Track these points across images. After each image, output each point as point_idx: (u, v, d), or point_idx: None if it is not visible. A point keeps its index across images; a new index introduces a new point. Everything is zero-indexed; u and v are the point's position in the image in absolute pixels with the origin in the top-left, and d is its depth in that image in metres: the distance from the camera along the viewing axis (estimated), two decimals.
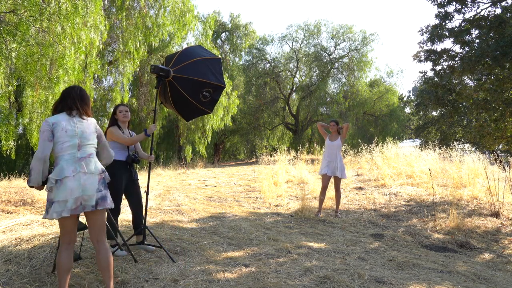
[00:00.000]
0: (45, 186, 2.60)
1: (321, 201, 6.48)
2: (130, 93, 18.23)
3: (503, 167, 8.75)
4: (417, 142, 24.82)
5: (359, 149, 13.05)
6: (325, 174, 6.33)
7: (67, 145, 2.58)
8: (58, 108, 2.69)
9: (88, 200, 2.53)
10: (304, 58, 25.58)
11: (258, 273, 3.44)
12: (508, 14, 8.41)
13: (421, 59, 10.25)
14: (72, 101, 2.70)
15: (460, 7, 9.56)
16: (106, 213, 2.66)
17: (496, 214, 6.13)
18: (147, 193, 4.04)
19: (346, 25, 24.57)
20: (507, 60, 7.91)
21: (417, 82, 13.21)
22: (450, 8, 10.05)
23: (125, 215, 5.18)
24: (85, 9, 8.05)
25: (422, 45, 10.15)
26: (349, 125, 6.29)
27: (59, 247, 2.64)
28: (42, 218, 2.71)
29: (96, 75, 12.36)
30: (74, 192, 2.51)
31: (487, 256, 4.59)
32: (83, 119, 2.70)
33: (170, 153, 23.23)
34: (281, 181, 9.40)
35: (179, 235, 4.69)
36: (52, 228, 4.70)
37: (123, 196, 3.99)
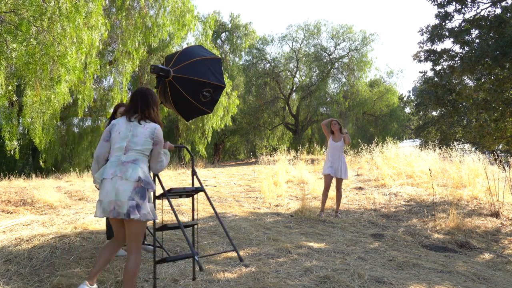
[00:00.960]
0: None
1: (324, 201, 6.49)
2: (130, 93, 18.24)
3: (503, 167, 8.75)
4: (417, 142, 24.83)
5: (359, 149, 13.05)
6: (328, 174, 6.34)
7: (116, 146, 2.59)
8: (125, 112, 2.71)
9: (121, 207, 2.47)
10: (304, 58, 25.58)
11: (258, 273, 3.44)
12: (508, 14, 8.42)
13: (421, 59, 10.26)
14: (133, 105, 2.68)
15: (460, 7, 9.57)
16: (144, 224, 2.58)
17: (496, 214, 6.13)
18: None
19: (346, 25, 24.59)
20: (507, 60, 7.92)
21: (417, 82, 13.22)
22: (450, 8, 10.05)
23: None
24: (86, 9, 8.05)
25: (422, 45, 10.16)
26: (348, 137, 6.36)
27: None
28: (94, 216, 2.75)
29: (95, 75, 12.36)
30: (109, 196, 2.49)
31: (487, 256, 4.59)
32: (141, 123, 2.65)
33: (170, 153, 23.23)
34: (281, 181, 9.40)
35: (179, 235, 4.69)
36: (52, 228, 4.70)
37: None
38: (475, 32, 9.43)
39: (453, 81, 10.58)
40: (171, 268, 3.53)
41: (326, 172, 6.33)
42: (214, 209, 3.22)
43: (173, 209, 2.84)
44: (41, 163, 11.83)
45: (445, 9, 9.72)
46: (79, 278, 3.15)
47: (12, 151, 8.69)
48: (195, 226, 3.28)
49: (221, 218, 3.56)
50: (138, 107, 2.66)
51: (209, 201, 3.27)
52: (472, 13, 9.81)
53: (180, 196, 3.35)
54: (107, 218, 3.85)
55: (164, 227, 2.87)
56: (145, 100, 2.69)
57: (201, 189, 3.22)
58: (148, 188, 2.58)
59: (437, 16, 9.74)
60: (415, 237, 5.25)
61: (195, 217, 5.94)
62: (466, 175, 8.13)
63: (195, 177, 3.39)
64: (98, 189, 2.62)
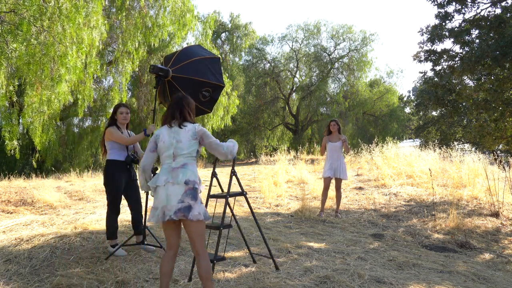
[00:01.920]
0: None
1: (323, 201, 6.49)
2: (130, 93, 18.23)
3: (503, 167, 8.75)
4: (417, 142, 24.84)
5: (359, 149, 13.05)
6: (327, 177, 6.35)
7: (165, 155, 2.68)
8: (164, 120, 2.76)
9: (169, 210, 2.55)
10: (304, 58, 25.58)
11: (258, 273, 3.44)
12: (508, 14, 8.42)
13: (421, 59, 10.26)
14: (171, 112, 2.74)
15: (460, 7, 9.57)
16: (200, 225, 2.61)
17: (496, 214, 6.13)
18: (147, 193, 4.03)
19: (346, 25, 24.59)
20: (507, 60, 7.92)
21: (417, 82, 13.22)
22: (450, 9, 10.04)
23: (125, 215, 5.18)
24: (86, 9, 8.05)
25: (422, 45, 10.17)
26: (347, 145, 6.37)
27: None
28: (148, 220, 2.76)
29: (95, 75, 12.36)
30: (161, 201, 2.58)
31: (487, 256, 4.59)
32: (181, 127, 2.70)
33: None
34: (281, 181, 9.40)
35: None
36: (52, 228, 4.70)
37: (123, 196, 3.99)
38: (475, 32, 9.43)
39: (453, 81, 10.57)
40: None
41: (326, 175, 6.34)
42: (252, 212, 3.38)
43: (232, 211, 3.31)
44: (34, 163, 11.82)
45: (445, 9, 9.72)
46: (79, 278, 3.15)
47: (12, 150, 8.69)
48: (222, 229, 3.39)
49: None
50: (175, 112, 2.74)
51: (248, 204, 3.43)
52: (472, 13, 9.81)
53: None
54: (109, 219, 3.85)
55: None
56: (180, 105, 2.76)
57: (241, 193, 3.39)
58: (199, 189, 2.66)
59: (437, 16, 9.74)
60: (415, 237, 5.25)
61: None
62: (466, 175, 8.13)
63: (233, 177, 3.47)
64: (152, 196, 2.72)
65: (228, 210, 3.44)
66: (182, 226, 2.69)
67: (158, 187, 2.61)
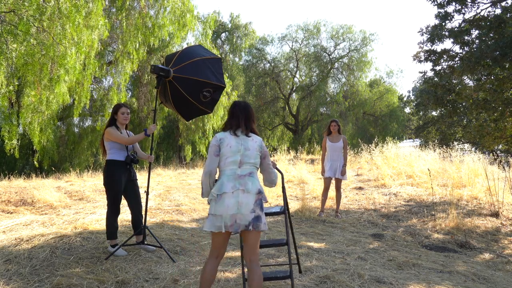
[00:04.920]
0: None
1: (323, 201, 6.50)
2: (130, 93, 18.22)
3: (503, 167, 8.75)
4: (417, 142, 24.86)
5: (359, 149, 13.05)
6: (328, 177, 6.36)
7: (230, 160, 2.58)
8: (227, 127, 2.71)
9: (242, 219, 2.49)
10: (304, 58, 25.57)
11: None
12: (508, 15, 8.42)
13: (421, 59, 10.26)
14: (236, 121, 2.69)
15: (460, 7, 9.56)
16: (259, 235, 2.61)
17: (496, 214, 6.13)
18: (147, 193, 4.04)
19: (345, 25, 24.57)
20: (507, 60, 7.92)
21: (417, 82, 13.23)
22: (450, 9, 10.05)
23: (125, 215, 5.18)
24: (86, 9, 8.04)
25: (422, 46, 10.16)
26: (347, 142, 6.42)
27: (207, 259, 2.66)
28: (202, 229, 2.68)
29: (94, 76, 12.36)
30: (230, 209, 2.48)
31: (487, 256, 4.59)
32: (249, 136, 2.67)
33: (170, 153, 23.20)
34: None
35: (179, 235, 4.69)
36: (52, 228, 4.70)
37: (123, 196, 3.98)
38: (475, 33, 9.43)
39: (453, 81, 10.58)
40: (171, 268, 3.53)
41: (326, 175, 6.35)
42: (291, 228, 3.37)
43: (291, 226, 3.29)
44: (35, 162, 11.83)
45: (445, 9, 9.72)
46: (79, 278, 3.15)
47: (12, 150, 8.69)
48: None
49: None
50: (242, 121, 2.69)
51: (290, 222, 3.34)
52: (472, 14, 9.81)
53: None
54: (109, 219, 3.85)
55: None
56: (248, 114, 2.73)
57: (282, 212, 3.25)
58: (264, 200, 2.64)
59: (437, 16, 9.74)
60: (415, 237, 5.25)
61: (195, 217, 5.92)
62: (466, 175, 8.13)
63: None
64: (209, 203, 2.61)
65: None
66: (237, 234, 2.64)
67: (225, 194, 2.50)
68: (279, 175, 3.01)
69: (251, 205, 2.50)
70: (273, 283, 3.25)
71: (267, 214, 3.12)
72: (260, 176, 2.78)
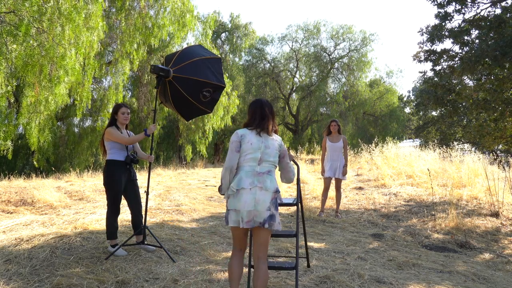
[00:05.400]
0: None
1: (323, 201, 6.50)
2: (130, 93, 18.23)
3: (503, 167, 8.75)
4: (417, 142, 24.86)
5: (359, 149, 13.06)
6: (328, 177, 6.36)
7: (249, 157, 2.60)
8: (251, 124, 2.71)
9: (258, 216, 2.50)
10: (304, 58, 25.58)
11: None
12: (508, 14, 8.41)
13: (421, 59, 10.25)
14: (262, 119, 2.69)
15: (460, 7, 9.56)
16: (270, 233, 2.62)
17: (496, 214, 6.13)
18: (147, 193, 4.04)
19: (345, 25, 24.58)
20: (507, 60, 7.92)
21: (417, 82, 13.23)
22: (450, 9, 10.04)
23: (125, 215, 5.19)
24: (86, 10, 8.05)
25: (422, 45, 10.16)
26: (347, 142, 6.46)
27: (232, 253, 2.70)
28: (226, 225, 2.69)
29: (94, 76, 12.37)
30: (247, 205, 2.50)
31: (487, 256, 4.59)
32: (270, 135, 2.69)
33: (170, 153, 23.22)
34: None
35: (179, 235, 4.69)
36: (52, 228, 4.70)
37: (123, 196, 3.98)
38: (474, 32, 9.42)
39: (453, 81, 10.57)
40: (171, 268, 3.53)
41: (326, 175, 6.35)
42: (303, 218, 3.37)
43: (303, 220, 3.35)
44: (35, 162, 11.85)
45: (445, 9, 9.71)
46: (79, 278, 3.15)
47: (5, 151, 8.65)
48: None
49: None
50: (267, 120, 2.70)
51: (302, 214, 3.38)
52: (472, 13, 9.81)
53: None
54: (109, 219, 3.85)
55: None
56: (273, 114, 2.76)
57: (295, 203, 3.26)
58: (279, 200, 2.66)
59: (437, 16, 9.73)
60: (415, 237, 5.25)
61: (195, 217, 5.92)
62: (466, 175, 8.13)
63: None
64: (227, 198, 2.63)
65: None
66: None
67: (243, 189, 2.53)
68: (295, 167, 3.04)
69: (267, 202, 2.53)
70: (273, 282, 3.24)
71: (280, 205, 3.12)
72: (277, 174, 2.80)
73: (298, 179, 3.33)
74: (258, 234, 2.60)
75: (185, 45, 16.60)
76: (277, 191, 2.60)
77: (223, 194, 2.67)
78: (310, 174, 10.69)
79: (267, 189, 2.54)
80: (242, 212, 2.50)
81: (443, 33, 9.52)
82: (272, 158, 2.65)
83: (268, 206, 2.52)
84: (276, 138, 2.71)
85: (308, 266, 3.55)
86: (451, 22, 10.85)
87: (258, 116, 2.70)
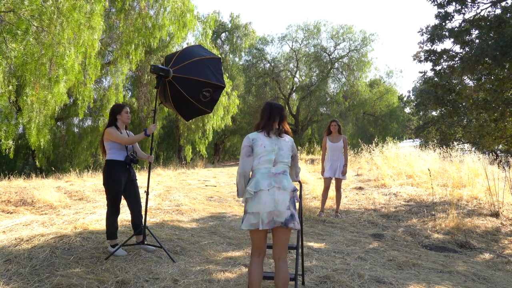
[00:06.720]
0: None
1: (323, 201, 6.50)
2: (130, 93, 18.22)
3: (503, 167, 8.74)
4: (417, 142, 24.84)
5: (359, 149, 13.05)
6: (328, 177, 6.36)
7: (264, 159, 2.61)
8: (262, 127, 2.72)
9: (279, 216, 2.51)
10: (304, 58, 25.58)
11: None
12: (508, 14, 8.42)
13: (421, 59, 10.26)
14: (272, 122, 2.72)
15: (460, 7, 9.56)
16: (290, 232, 2.63)
17: (496, 214, 6.13)
18: (147, 193, 4.03)
19: (346, 25, 24.58)
20: (507, 60, 7.92)
21: (417, 82, 13.23)
22: (450, 9, 10.05)
23: (125, 215, 5.18)
24: (86, 10, 8.04)
25: (422, 45, 10.16)
26: (347, 142, 6.47)
27: (250, 259, 2.67)
28: (239, 228, 2.68)
29: (94, 76, 12.38)
30: (267, 206, 2.50)
31: (487, 256, 4.59)
32: (281, 137, 2.71)
33: (170, 153, 23.22)
34: None
35: (179, 235, 4.69)
36: (52, 228, 4.70)
37: (122, 196, 3.98)
38: (475, 32, 9.42)
39: (453, 81, 10.57)
40: (171, 268, 3.53)
41: (327, 175, 6.35)
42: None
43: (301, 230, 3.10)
44: (36, 162, 11.86)
45: (445, 9, 9.71)
46: (79, 278, 3.15)
47: (7, 150, 8.66)
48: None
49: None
50: (276, 122, 2.72)
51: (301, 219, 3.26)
52: (472, 13, 9.81)
53: None
54: (109, 219, 3.85)
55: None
56: (282, 115, 2.77)
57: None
58: (296, 199, 2.67)
59: (437, 16, 9.73)
60: (415, 237, 5.25)
61: (195, 217, 5.92)
62: (466, 175, 8.12)
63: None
64: (244, 202, 2.64)
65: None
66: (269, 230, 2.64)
67: (262, 191, 2.53)
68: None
69: (287, 202, 2.54)
70: (273, 282, 3.24)
71: None
72: None
73: (299, 182, 3.25)
74: (278, 234, 2.60)
75: (185, 45, 16.59)
76: (294, 190, 2.61)
77: (241, 197, 2.69)
78: (310, 174, 10.68)
79: (285, 188, 2.56)
80: (262, 214, 2.50)
81: (443, 33, 9.52)
82: (286, 159, 2.68)
83: (287, 205, 2.54)
84: (287, 139, 2.74)
85: (303, 283, 3.31)
86: (451, 22, 10.86)
87: (266, 118, 2.73)
